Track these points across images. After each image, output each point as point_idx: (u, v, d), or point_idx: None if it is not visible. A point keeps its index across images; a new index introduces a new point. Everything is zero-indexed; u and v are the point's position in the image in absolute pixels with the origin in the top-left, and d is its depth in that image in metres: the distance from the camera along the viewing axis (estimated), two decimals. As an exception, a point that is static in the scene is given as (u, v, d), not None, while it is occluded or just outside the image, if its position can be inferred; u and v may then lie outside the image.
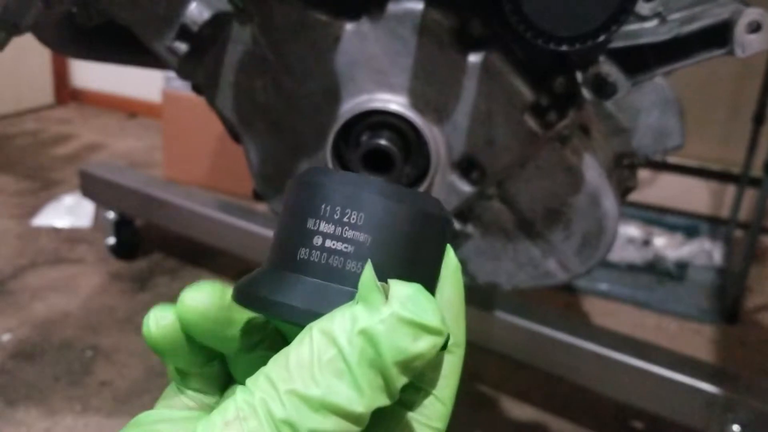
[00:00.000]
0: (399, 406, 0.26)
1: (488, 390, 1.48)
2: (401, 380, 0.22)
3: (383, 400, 0.22)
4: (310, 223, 0.25)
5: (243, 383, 0.30)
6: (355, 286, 0.24)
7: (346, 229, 0.25)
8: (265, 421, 0.21)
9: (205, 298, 0.26)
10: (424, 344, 0.22)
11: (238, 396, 0.22)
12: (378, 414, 0.25)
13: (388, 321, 0.22)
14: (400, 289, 0.23)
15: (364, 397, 0.22)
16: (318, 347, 0.22)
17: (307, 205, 0.26)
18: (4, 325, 1.60)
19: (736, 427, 1.13)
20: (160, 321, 0.27)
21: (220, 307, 0.27)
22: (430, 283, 0.27)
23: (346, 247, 0.25)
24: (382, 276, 0.24)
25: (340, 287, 0.25)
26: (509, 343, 1.32)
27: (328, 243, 0.25)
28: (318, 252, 0.25)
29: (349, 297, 0.24)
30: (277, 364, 0.22)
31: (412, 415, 0.26)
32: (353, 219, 0.25)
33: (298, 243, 0.26)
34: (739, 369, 1.59)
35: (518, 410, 1.45)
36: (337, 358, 0.22)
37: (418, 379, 0.26)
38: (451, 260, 0.27)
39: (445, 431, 0.27)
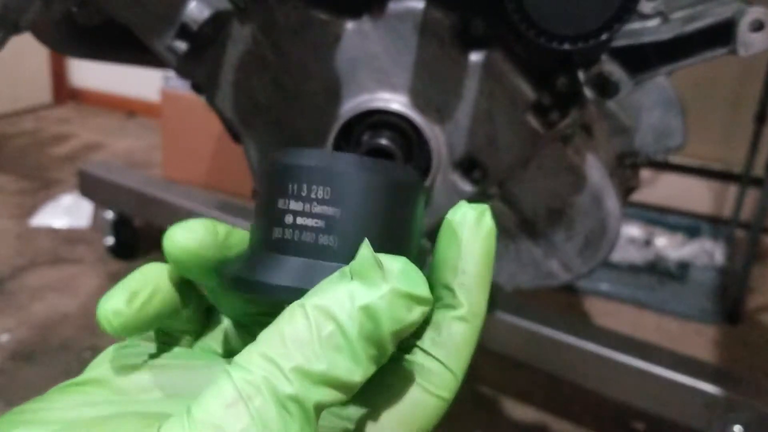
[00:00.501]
0: (407, 372, 0.26)
1: (488, 390, 1.48)
2: (392, 348, 0.23)
3: (374, 368, 0.23)
4: (280, 203, 0.26)
5: (229, 317, 0.32)
6: (330, 259, 0.25)
7: (314, 205, 0.26)
8: (271, 399, 0.21)
9: (197, 237, 0.28)
10: (417, 314, 0.23)
11: (235, 375, 0.22)
12: (385, 381, 0.26)
13: (388, 296, 0.23)
14: (392, 264, 0.23)
15: (361, 368, 0.23)
16: (316, 323, 0.22)
17: (277, 186, 0.27)
18: (2, 326, 1.59)
19: (737, 428, 1.12)
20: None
21: (214, 245, 0.28)
22: (406, 249, 0.27)
23: (316, 223, 0.26)
24: (356, 246, 0.24)
25: (315, 262, 0.25)
26: (509, 343, 1.32)
27: (299, 220, 0.26)
28: (290, 230, 0.26)
29: (326, 272, 0.25)
30: (271, 341, 0.22)
31: (419, 382, 0.26)
32: (320, 194, 0.26)
33: (272, 223, 0.26)
34: (740, 369, 1.59)
35: (519, 410, 1.44)
36: (336, 333, 0.22)
37: (435, 348, 0.26)
38: (485, 224, 0.27)
39: (451, 401, 0.27)
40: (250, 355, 0.22)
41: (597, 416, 1.44)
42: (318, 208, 0.26)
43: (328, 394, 0.22)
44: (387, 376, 0.26)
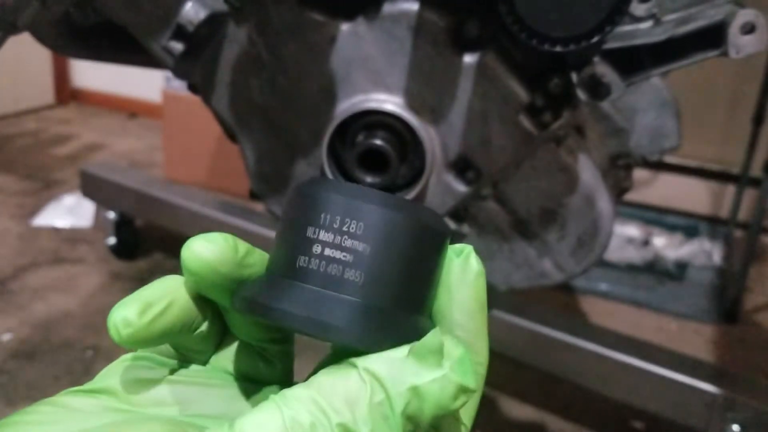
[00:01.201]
0: None
1: (488, 390, 1.48)
2: (428, 428, 0.24)
3: None
4: (309, 232, 0.26)
5: (242, 338, 0.31)
6: (353, 294, 0.25)
7: (345, 239, 0.25)
8: None
9: (217, 249, 0.27)
10: (460, 402, 0.24)
11: (284, 410, 0.22)
12: None
13: (440, 382, 0.23)
14: (453, 350, 0.24)
15: None
16: (370, 388, 0.23)
17: (307, 214, 0.26)
18: (4, 325, 1.60)
19: (735, 427, 1.12)
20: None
21: (233, 261, 0.27)
22: (428, 294, 0.27)
23: (344, 256, 0.25)
24: (380, 283, 0.24)
25: (338, 295, 0.25)
26: (509, 343, 1.32)
27: (327, 251, 0.25)
28: (317, 260, 0.25)
29: (348, 306, 0.25)
30: (323, 389, 0.23)
31: None
32: (353, 228, 0.25)
33: (297, 251, 0.26)
34: (738, 369, 1.59)
35: (518, 410, 1.45)
36: (385, 404, 0.23)
37: None
38: (471, 267, 0.27)
39: None
40: (301, 395, 0.23)
41: (596, 416, 1.44)
42: (349, 242, 0.25)
43: None
44: None
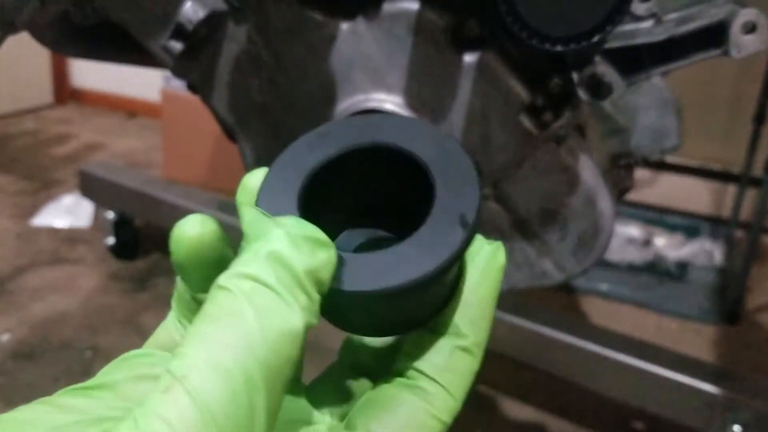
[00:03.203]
0: (410, 393, 0.26)
1: (488, 390, 1.48)
2: (315, 293, 0.23)
3: (310, 317, 0.22)
4: None
5: None
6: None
7: None
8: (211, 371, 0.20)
9: (201, 229, 0.27)
10: (323, 254, 0.23)
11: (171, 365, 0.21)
12: (388, 402, 0.26)
13: (285, 239, 0.23)
14: (283, 219, 0.24)
15: (296, 313, 0.22)
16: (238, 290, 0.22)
17: None
18: (3, 325, 1.60)
19: (736, 428, 1.13)
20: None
21: (218, 238, 0.27)
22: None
23: None
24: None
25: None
26: (509, 343, 1.32)
27: None
28: None
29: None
30: (199, 327, 0.21)
31: (421, 404, 0.26)
32: None
33: None
34: (739, 369, 1.59)
35: (518, 410, 1.45)
36: (258, 288, 0.22)
37: (436, 373, 0.27)
38: (497, 260, 0.27)
39: (450, 426, 0.27)
40: (186, 342, 0.21)
41: (597, 416, 1.44)
42: None
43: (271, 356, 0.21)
44: (390, 398, 0.26)
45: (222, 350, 0.20)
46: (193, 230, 0.27)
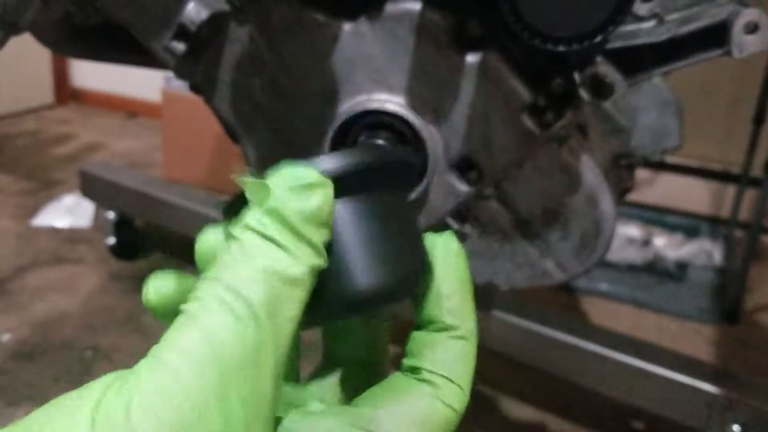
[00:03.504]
0: (419, 386, 0.27)
1: (488, 390, 1.49)
2: (317, 235, 0.24)
3: (316, 260, 0.24)
4: None
5: None
6: None
7: None
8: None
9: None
10: (316, 197, 0.24)
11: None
12: (399, 395, 0.26)
13: (280, 194, 0.24)
14: (277, 171, 0.25)
15: (297, 259, 0.23)
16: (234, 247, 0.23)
17: None
18: (4, 325, 1.60)
19: (736, 427, 1.13)
20: (159, 289, 0.28)
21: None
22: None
23: None
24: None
25: None
26: (509, 343, 1.32)
27: None
28: None
29: None
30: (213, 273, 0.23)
31: (428, 390, 0.27)
32: None
33: None
34: (739, 369, 1.59)
35: (518, 410, 1.45)
36: (258, 242, 0.23)
37: (436, 366, 0.27)
38: (451, 246, 0.29)
39: (461, 415, 0.27)
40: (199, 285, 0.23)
41: (596, 416, 1.44)
42: None
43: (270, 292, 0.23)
44: (400, 391, 0.27)
45: (228, 292, 0.22)
46: (153, 299, 0.28)
